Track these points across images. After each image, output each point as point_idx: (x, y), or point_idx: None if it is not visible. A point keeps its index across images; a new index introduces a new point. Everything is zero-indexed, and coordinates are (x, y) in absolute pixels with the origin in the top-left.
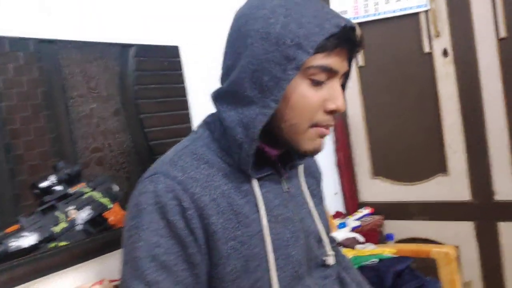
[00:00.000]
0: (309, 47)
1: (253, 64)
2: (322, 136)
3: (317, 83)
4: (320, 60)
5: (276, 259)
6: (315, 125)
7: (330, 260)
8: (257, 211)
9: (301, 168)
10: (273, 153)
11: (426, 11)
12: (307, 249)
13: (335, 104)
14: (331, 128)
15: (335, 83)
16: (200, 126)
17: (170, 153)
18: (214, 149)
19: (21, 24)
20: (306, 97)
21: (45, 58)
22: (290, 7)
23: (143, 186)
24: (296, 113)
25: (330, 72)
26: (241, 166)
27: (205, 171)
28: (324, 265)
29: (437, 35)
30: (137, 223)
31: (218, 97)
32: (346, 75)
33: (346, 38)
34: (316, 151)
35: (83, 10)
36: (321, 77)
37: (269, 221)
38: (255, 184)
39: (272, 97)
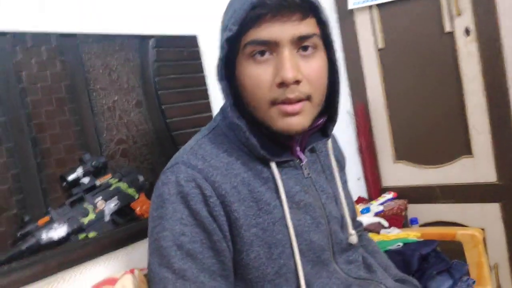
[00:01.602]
0: (231, 24)
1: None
2: (285, 113)
3: (260, 60)
4: (251, 35)
5: (299, 245)
6: (274, 103)
7: (353, 239)
8: (278, 197)
9: (329, 150)
10: (288, 141)
11: None
12: (329, 235)
13: (279, 76)
14: (352, 116)
15: (282, 54)
16: (218, 115)
17: (190, 142)
18: (231, 137)
19: (42, 19)
20: (252, 76)
21: (67, 52)
22: None
23: (166, 177)
24: (250, 94)
25: (266, 44)
26: (253, 152)
27: (225, 159)
28: (349, 248)
29: (458, 13)
30: (161, 213)
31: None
32: (328, 44)
33: (273, 4)
34: (290, 130)
35: (103, 3)
36: (261, 52)
37: (290, 207)
38: (275, 171)
39: (219, 78)
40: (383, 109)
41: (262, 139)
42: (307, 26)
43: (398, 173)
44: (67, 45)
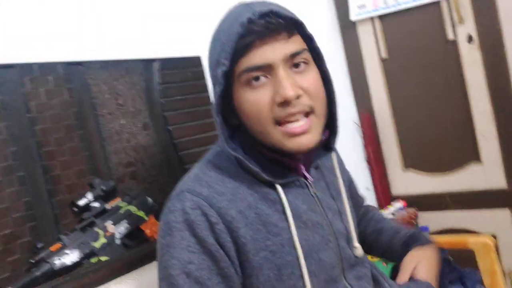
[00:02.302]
0: (223, 58)
1: (212, 91)
2: (290, 134)
3: (257, 85)
4: (244, 63)
5: (308, 265)
6: (278, 123)
7: (358, 251)
8: (286, 219)
9: (334, 163)
10: (293, 162)
11: None
12: (338, 252)
13: (279, 94)
14: (358, 126)
15: (278, 74)
16: (225, 139)
17: (195, 169)
18: (235, 162)
19: (48, 49)
20: (251, 101)
21: (74, 79)
22: (218, 29)
23: (172, 205)
24: (253, 119)
25: (261, 69)
26: (256, 176)
27: (230, 184)
28: (357, 263)
29: (461, 21)
30: (168, 241)
31: None
32: (316, 56)
33: (259, 30)
34: (300, 149)
35: (106, 30)
36: (256, 78)
37: (298, 227)
38: (281, 191)
39: (215, 116)
40: (389, 118)
41: (265, 163)
42: (295, 43)
43: (407, 181)
44: (74, 73)
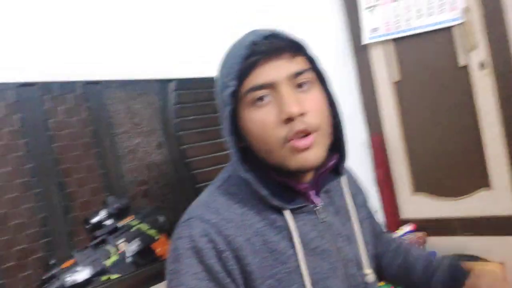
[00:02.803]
0: (229, 80)
1: (220, 115)
2: (297, 150)
3: (262, 105)
4: (248, 83)
5: None
6: (286, 140)
7: (370, 278)
8: (293, 246)
9: (343, 189)
10: (302, 186)
11: (460, 24)
12: (346, 279)
13: (283, 112)
14: (368, 146)
15: (281, 92)
16: (229, 165)
17: (204, 195)
18: (244, 187)
19: (68, 68)
20: (257, 120)
21: (92, 98)
22: (226, 54)
23: (180, 231)
24: (261, 140)
25: (265, 88)
26: (264, 201)
27: (238, 210)
28: None
29: (473, 48)
30: (176, 267)
31: None
32: (320, 78)
33: (262, 50)
34: (306, 165)
35: (124, 50)
36: (260, 98)
37: (306, 254)
38: (289, 218)
39: (226, 138)
40: (399, 141)
41: (275, 187)
42: (298, 63)
43: (416, 205)
44: (92, 92)
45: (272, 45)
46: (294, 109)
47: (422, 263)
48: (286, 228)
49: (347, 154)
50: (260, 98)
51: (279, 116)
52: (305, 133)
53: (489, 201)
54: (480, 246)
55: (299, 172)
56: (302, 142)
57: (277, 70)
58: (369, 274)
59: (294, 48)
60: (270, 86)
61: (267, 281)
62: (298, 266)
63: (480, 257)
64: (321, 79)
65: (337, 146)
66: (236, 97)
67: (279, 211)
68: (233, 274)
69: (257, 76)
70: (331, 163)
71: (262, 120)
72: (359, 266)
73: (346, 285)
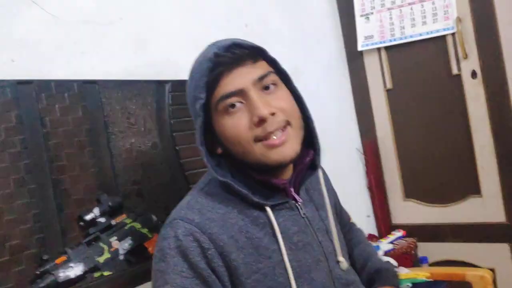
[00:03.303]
0: (199, 93)
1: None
2: (270, 146)
3: (233, 111)
4: (218, 93)
5: (301, 285)
6: (257, 139)
7: (343, 265)
8: (277, 241)
9: (321, 183)
10: (279, 182)
11: (453, 34)
12: (329, 272)
13: (255, 115)
14: (361, 151)
15: (251, 98)
16: (212, 167)
17: (187, 197)
18: (226, 188)
19: (65, 67)
20: (230, 126)
21: (88, 97)
22: (192, 67)
23: (165, 232)
24: (237, 144)
25: (234, 95)
26: (246, 199)
27: (221, 210)
28: (349, 284)
29: (465, 57)
30: (162, 267)
31: None
32: (284, 77)
33: (225, 61)
34: (284, 158)
35: (121, 50)
36: (232, 105)
37: (289, 249)
38: (271, 214)
39: (199, 147)
40: (392, 147)
41: (254, 186)
42: (261, 68)
43: (407, 211)
44: (88, 91)
45: (234, 55)
46: (264, 111)
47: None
48: (268, 224)
49: (320, 147)
50: (232, 105)
51: (251, 119)
52: (278, 131)
53: (479, 208)
54: (470, 253)
55: (279, 167)
56: (276, 140)
57: (242, 77)
58: (342, 261)
59: (254, 54)
60: (239, 93)
61: (252, 276)
62: (282, 260)
63: (470, 263)
64: (284, 79)
65: (310, 141)
66: (208, 108)
67: (260, 208)
68: (218, 272)
69: (225, 85)
70: (308, 158)
71: (235, 125)
72: (337, 257)
73: (329, 277)
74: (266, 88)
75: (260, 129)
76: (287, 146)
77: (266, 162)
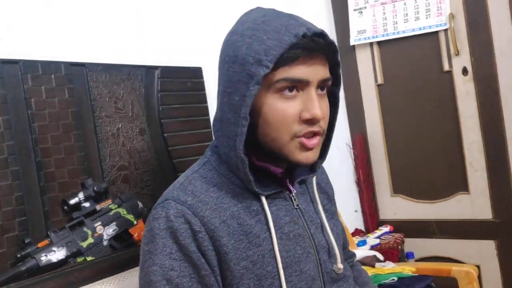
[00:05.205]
0: (267, 61)
1: (229, 87)
2: (305, 147)
3: (288, 96)
4: (285, 72)
5: (289, 276)
6: (296, 136)
7: (340, 271)
8: (268, 230)
9: (313, 183)
10: (277, 171)
11: (445, 30)
12: (319, 265)
13: (309, 113)
14: (349, 146)
15: (310, 92)
16: (208, 150)
17: (181, 178)
18: (222, 172)
19: (53, 48)
20: (278, 110)
21: (75, 80)
22: (256, 27)
23: (156, 212)
24: (273, 127)
25: (299, 82)
26: (246, 185)
27: (214, 193)
28: (339, 279)
29: (457, 53)
30: (151, 248)
31: (214, 124)
32: (336, 81)
33: (310, 46)
34: (306, 163)
35: (111, 33)
36: (290, 88)
37: (280, 238)
38: (265, 202)
39: (242, 115)
40: (381, 142)
41: (255, 173)
42: (327, 69)
43: (395, 207)
44: (76, 73)
45: (319, 45)
46: (320, 114)
47: None
48: (261, 212)
49: (326, 155)
50: (289, 89)
51: (301, 113)
52: (314, 136)
53: (466, 205)
54: (456, 249)
55: (295, 165)
56: (311, 142)
57: (314, 71)
58: (341, 268)
59: (330, 52)
60: (305, 82)
61: (241, 263)
62: (272, 249)
63: (456, 260)
64: (335, 83)
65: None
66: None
67: (254, 196)
68: (207, 255)
69: (296, 69)
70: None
71: (284, 111)
72: (331, 254)
73: (318, 270)
74: (322, 89)
75: (304, 126)
76: (314, 152)
77: (288, 157)
